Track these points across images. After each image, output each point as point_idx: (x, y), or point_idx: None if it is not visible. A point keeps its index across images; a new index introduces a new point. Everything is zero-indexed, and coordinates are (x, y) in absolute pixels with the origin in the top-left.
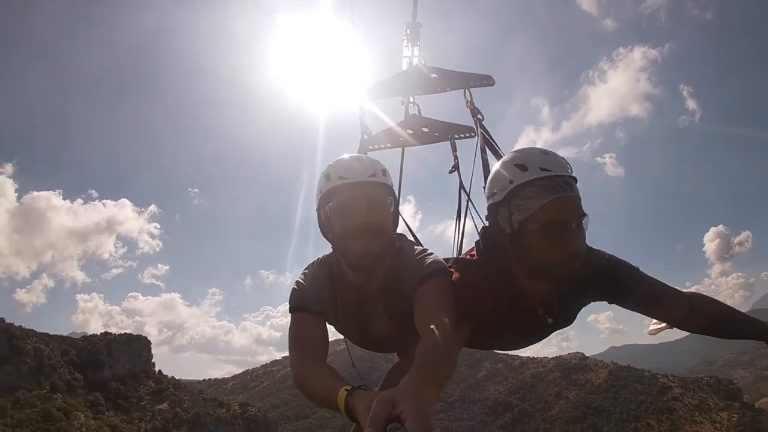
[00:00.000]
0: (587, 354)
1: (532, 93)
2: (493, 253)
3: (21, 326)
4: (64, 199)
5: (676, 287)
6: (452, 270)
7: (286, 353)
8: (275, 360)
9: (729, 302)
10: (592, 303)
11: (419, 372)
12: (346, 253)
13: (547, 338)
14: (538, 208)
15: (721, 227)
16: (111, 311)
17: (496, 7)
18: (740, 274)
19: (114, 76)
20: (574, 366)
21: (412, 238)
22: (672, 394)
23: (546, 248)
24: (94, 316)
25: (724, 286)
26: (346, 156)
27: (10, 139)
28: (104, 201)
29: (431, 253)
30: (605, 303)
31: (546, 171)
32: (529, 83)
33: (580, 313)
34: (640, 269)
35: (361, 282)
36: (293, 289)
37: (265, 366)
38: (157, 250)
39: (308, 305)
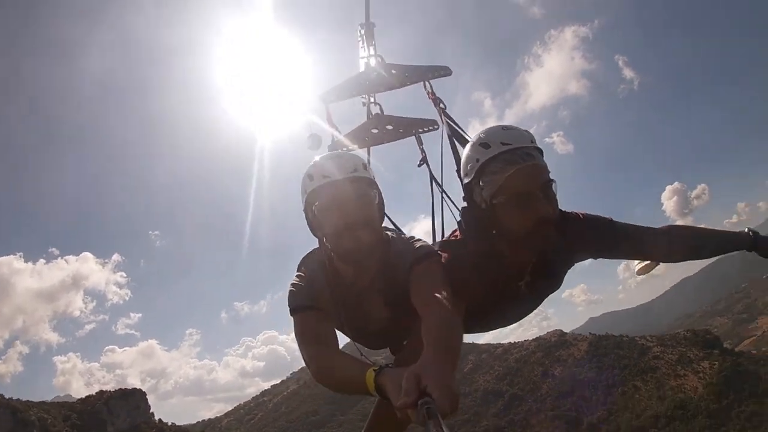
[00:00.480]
0: (567, 329)
1: (472, 87)
2: (475, 230)
3: (19, 399)
4: (26, 261)
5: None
6: (440, 252)
7: (274, 382)
8: (264, 390)
9: None
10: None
11: (433, 346)
12: (339, 249)
13: (528, 319)
14: (503, 181)
15: (676, 184)
16: (90, 368)
17: (425, 6)
18: (704, 225)
19: (59, 127)
20: (555, 343)
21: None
22: (652, 354)
23: (517, 218)
24: (75, 376)
25: None
26: (326, 155)
27: None
28: (66, 257)
29: (419, 240)
30: (576, 279)
31: (507, 145)
32: (468, 78)
33: (555, 292)
34: (613, 219)
35: (354, 275)
36: (290, 291)
37: (255, 398)
38: (127, 299)
39: (309, 303)
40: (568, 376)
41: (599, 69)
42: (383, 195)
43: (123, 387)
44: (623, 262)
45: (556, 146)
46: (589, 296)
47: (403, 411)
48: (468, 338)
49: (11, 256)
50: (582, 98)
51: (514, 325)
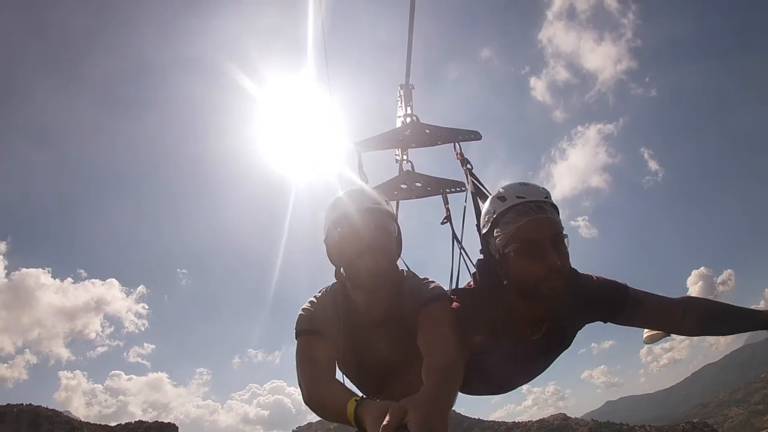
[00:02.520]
0: (582, 412)
1: (497, 179)
2: (488, 281)
3: (69, 415)
4: (54, 277)
5: None
6: (452, 298)
7: None
8: None
9: (721, 343)
10: (588, 346)
11: (429, 384)
12: (356, 272)
13: (544, 398)
14: (514, 231)
15: (702, 269)
16: (94, 389)
17: (458, 103)
18: None
19: (108, 163)
20: (557, 427)
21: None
22: None
23: (526, 266)
24: (77, 394)
25: None
26: (349, 189)
27: (5, 218)
28: (93, 280)
29: (432, 281)
30: (597, 360)
31: (521, 198)
32: (494, 172)
33: (574, 372)
34: (629, 285)
35: (367, 303)
36: (300, 314)
37: None
38: (143, 329)
39: (315, 328)
40: None
41: (624, 161)
42: (405, 245)
43: (159, 420)
44: (646, 347)
45: (581, 230)
46: (609, 378)
47: None
48: (474, 413)
49: (40, 269)
50: (602, 190)
51: (527, 402)
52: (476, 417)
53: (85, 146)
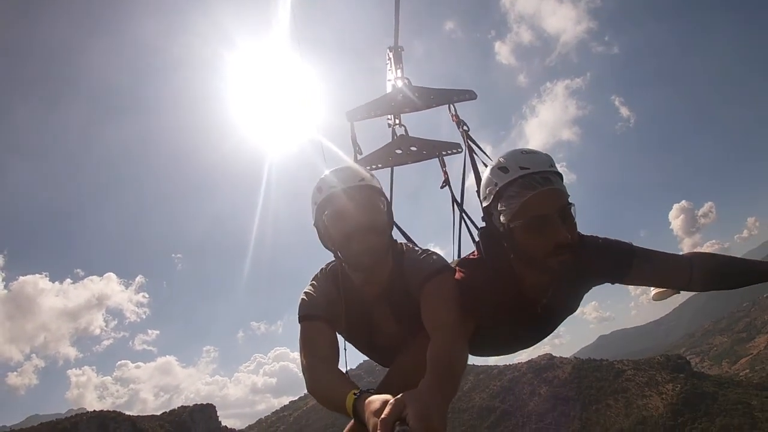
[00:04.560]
0: (578, 347)
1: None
2: (493, 251)
3: (133, 414)
4: (52, 281)
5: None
6: (456, 269)
7: (285, 398)
8: (284, 405)
9: None
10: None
11: (432, 375)
12: (348, 254)
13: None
14: (519, 206)
15: (683, 203)
16: (104, 382)
17: (429, 77)
18: (714, 241)
19: (92, 161)
20: (544, 366)
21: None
22: (626, 376)
23: (534, 242)
24: (89, 389)
25: None
26: (333, 169)
27: (1, 231)
28: (91, 278)
29: (433, 253)
30: (587, 296)
31: (525, 169)
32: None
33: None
34: (634, 244)
35: (364, 282)
36: (302, 299)
37: (276, 412)
38: (144, 317)
39: (317, 313)
40: (551, 394)
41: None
42: (402, 212)
43: (198, 402)
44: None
45: None
46: (601, 313)
47: None
48: (471, 359)
49: (37, 275)
50: (575, 141)
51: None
52: (470, 363)
53: (68, 147)
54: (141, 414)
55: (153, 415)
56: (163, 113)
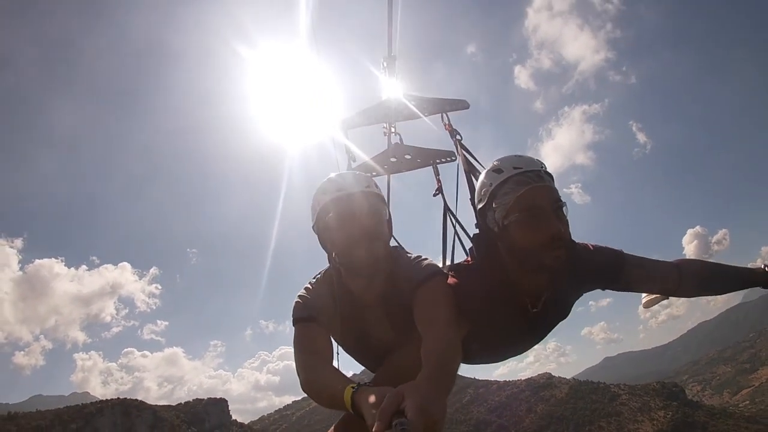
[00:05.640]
0: (583, 367)
1: (487, 163)
2: (487, 255)
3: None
4: (68, 266)
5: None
6: (449, 275)
7: (287, 397)
8: (287, 404)
9: (718, 300)
10: (587, 304)
11: (427, 369)
12: (351, 260)
13: (545, 354)
14: (514, 201)
15: (697, 228)
16: (109, 368)
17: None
18: None
19: (114, 154)
20: (542, 384)
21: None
22: (620, 400)
23: (529, 234)
24: (94, 374)
25: None
26: (338, 173)
27: (22, 215)
28: (106, 266)
29: (426, 258)
30: (596, 317)
31: (518, 169)
32: (483, 156)
33: (574, 329)
34: (624, 251)
35: (362, 288)
36: (296, 302)
37: (279, 410)
38: (154, 308)
39: (312, 315)
40: (547, 413)
41: (614, 135)
42: (398, 221)
43: (212, 396)
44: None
45: (574, 197)
46: (609, 335)
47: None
48: (469, 373)
49: (53, 259)
50: (590, 165)
51: (529, 359)
52: (470, 376)
53: (91, 139)
54: (57, 393)
55: (169, 405)
56: (184, 110)
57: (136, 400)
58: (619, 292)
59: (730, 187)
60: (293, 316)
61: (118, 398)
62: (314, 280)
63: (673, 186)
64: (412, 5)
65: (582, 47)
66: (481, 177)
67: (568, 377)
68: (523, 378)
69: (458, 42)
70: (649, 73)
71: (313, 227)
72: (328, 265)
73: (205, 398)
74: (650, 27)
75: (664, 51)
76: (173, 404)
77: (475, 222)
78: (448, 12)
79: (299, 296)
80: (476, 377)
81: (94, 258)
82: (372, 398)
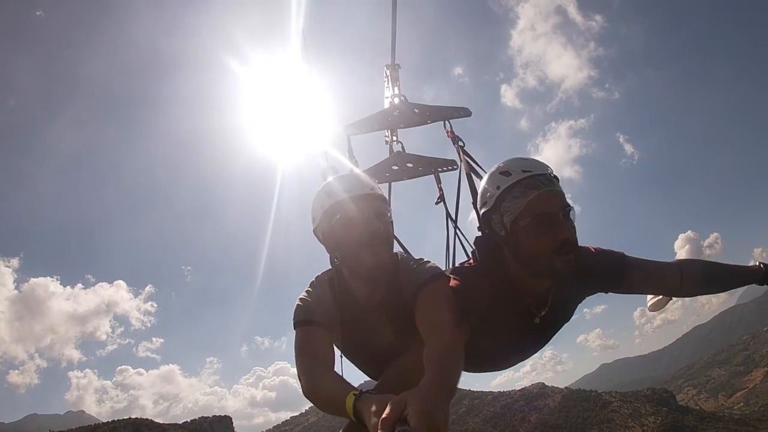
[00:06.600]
0: (580, 375)
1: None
2: (490, 258)
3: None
4: (63, 285)
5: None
6: (450, 277)
7: (284, 413)
8: (285, 420)
9: (713, 303)
10: (581, 312)
11: (430, 374)
12: (358, 264)
13: (542, 363)
14: (524, 205)
15: (689, 233)
16: (104, 386)
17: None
18: None
19: (107, 171)
20: (536, 394)
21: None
22: (611, 407)
23: (540, 241)
24: (89, 392)
25: None
26: (341, 175)
27: (18, 234)
28: (101, 284)
29: (428, 261)
30: (591, 324)
31: (527, 172)
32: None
33: (570, 337)
34: (626, 253)
35: (365, 292)
36: (297, 305)
37: (277, 426)
38: (149, 326)
39: (313, 319)
40: (540, 422)
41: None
42: (399, 227)
43: (216, 414)
44: (639, 308)
45: None
46: (605, 341)
47: None
48: (464, 384)
49: (48, 278)
50: (578, 179)
51: (526, 368)
52: (465, 388)
53: (85, 159)
54: (52, 413)
55: (175, 424)
56: (176, 130)
57: (147, 419)
58: (614, 298)
59: (719, 191)
60: (294, 319)
61: (129, 417)
62: (315, 284)
63: (662, 193)
64: (401, 31)
65: (565, 66)
66: (485, 179)
67: (563, 386)
68: (516, 389)
69: (446, 64)
70: (632, 88)
71: (314, 230)
72: (327, 268)
73: (210, 416)
74: (632, 44)
75: (646, 67)
76: (179, 422)
77: (478, 225)
78: (436, 37)
79: (300, 299)
80: (471, 389)
81: (89, 276)
82: (374, 406)
